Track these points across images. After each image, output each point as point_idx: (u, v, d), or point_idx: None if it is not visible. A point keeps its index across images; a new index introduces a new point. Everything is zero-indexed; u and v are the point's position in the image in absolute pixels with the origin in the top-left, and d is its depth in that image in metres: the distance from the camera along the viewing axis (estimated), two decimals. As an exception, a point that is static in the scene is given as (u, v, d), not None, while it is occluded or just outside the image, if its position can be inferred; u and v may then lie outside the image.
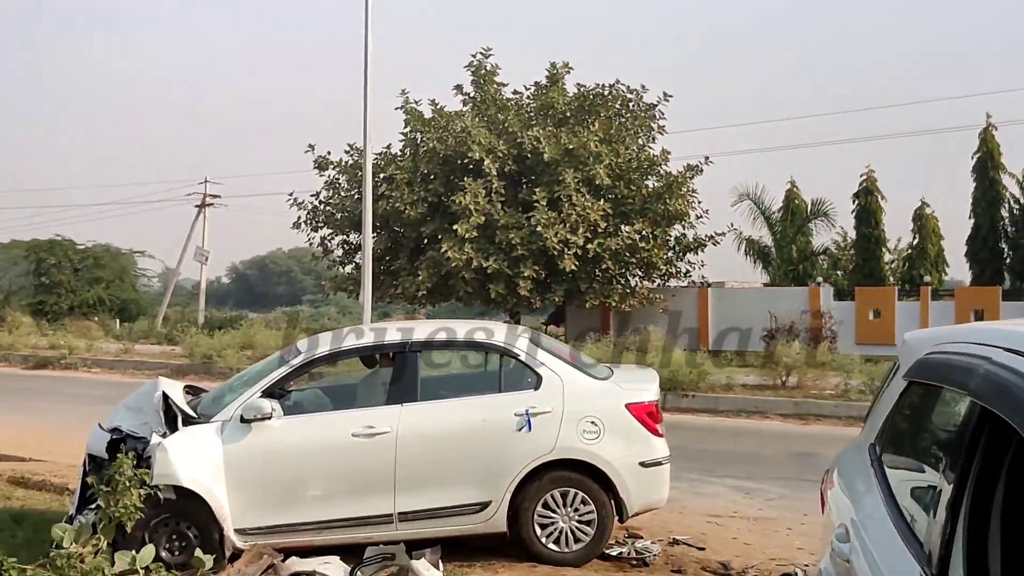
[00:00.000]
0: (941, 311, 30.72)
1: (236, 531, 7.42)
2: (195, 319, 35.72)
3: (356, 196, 31.56)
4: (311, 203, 32.51)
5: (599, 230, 28.80)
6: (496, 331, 8.65)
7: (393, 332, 8.52)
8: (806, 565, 7.81)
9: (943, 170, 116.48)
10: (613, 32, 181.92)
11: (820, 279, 37.49)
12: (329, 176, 32.30)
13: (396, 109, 31.65)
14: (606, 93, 31.60)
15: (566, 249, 28.11)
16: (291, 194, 32.57)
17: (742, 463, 13.06)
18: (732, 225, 36.12)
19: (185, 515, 7.32)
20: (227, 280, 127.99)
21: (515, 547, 8.01)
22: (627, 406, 8.07)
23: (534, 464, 7.80)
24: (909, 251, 37.50)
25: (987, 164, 35.22)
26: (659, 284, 32.82)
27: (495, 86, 32.44)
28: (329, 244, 33.17)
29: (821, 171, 63.71)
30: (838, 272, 39.66)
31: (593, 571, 7.87)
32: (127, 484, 6.50)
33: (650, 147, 31.56)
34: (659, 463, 8.16)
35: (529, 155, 29.61)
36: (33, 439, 13.44)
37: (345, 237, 32.97)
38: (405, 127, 31.89)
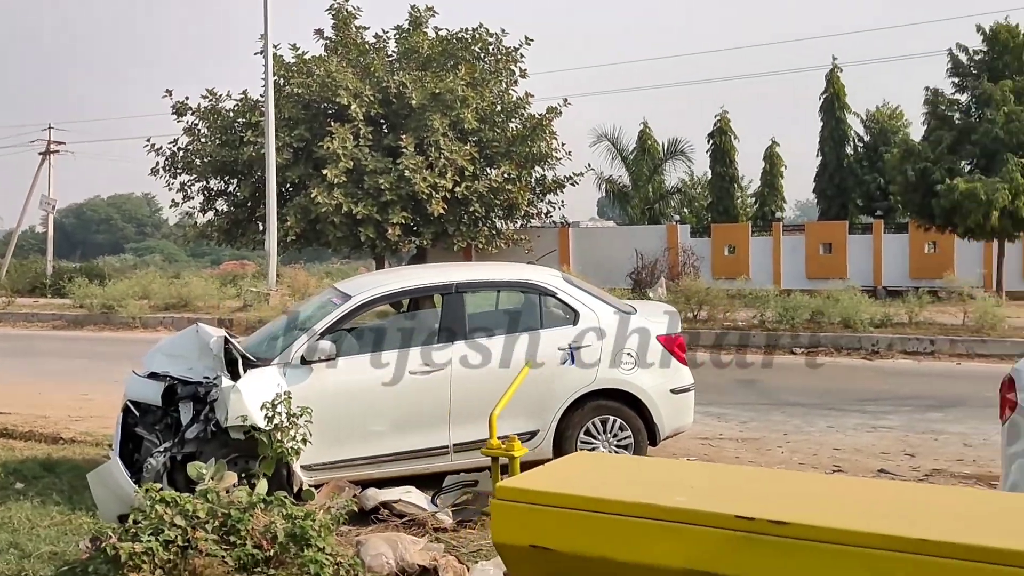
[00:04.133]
0: (792, 245, 34.83)
1: (303, 467, 7.89)
2: (43, 270, 36.85)
3: (217, 142, 33.37)
4: (169, 149, 34.15)
5: (466, 173, 31.45)
6: (531, 271, 9.70)
7: (438, 274, 9.60)
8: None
9: (793, 111, 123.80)
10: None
11: (677, 217, 41.21)
12: (188, 122, 33.88)
13: (256, 54, 33.41)
14: (469, 37, 34.14)
15: (434, 193, 30.62)
16: (149, 140, 34.11)
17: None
18: (589, 166, 39.40)
19: (254, 455, 7.75)
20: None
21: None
22: (658, 338, 9.15)
23: (578, 394, 8.79)
24: (762, 189, 41.45)
25: (833, 104, 39.28)
26: (521, 225, 35.76)
27: (356, 29, 34.64)
28: (189, 191, 34.78)
29: (676, 113, 67.82)
30: (685, 210, 43.44)
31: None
32: (291, 422, 7.07)
33: (513, 90, 34.31)
34: (687, 389, 9.26)
35: (395, 100, 31.92)
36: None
37: (206, 183, 34.71)
38: (264, 72, 33.64)
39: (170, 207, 35.87)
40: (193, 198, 35.01)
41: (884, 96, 65.15)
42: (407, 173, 30.10)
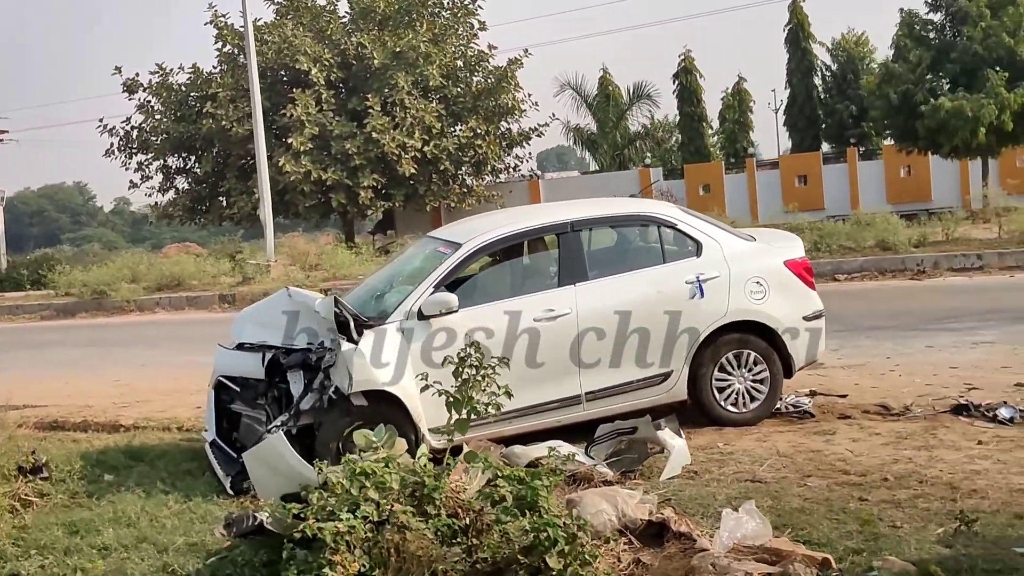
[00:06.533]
0: (766, 180, 35.18)
1: (431, 431, 7.35)
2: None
3: (172, 118, 33.03)
4: (123, 129, 33.74)
5: (434, 131, 31.34)
6: (648, 204, 9.35)
7: (550, 214, 8.99)
8: (960, 395, 8.70)
9: (755, 46, 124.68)
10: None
11: (647, 161, 41.46)
12: (140, 99, 33.44)
13: (206, 24, 33.06)
14: (425, -9, 33.89)
15: (403, 153, 30.51)
16: (101, 120, 33.71)
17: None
18: (554, 115, 39.46)
19: (379, 420, 7.13)
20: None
21: (694, 412, 8.52)
22: (785, 263, 8.74)
23: (711, 329, 8.35)
24: (731, 126, 41.64)
25: (798, 35, 39.60)
26: (490, 181, 35.80)
27: (308, -8, 34.30)
28: (147, 170, 34.37)
29: (637, 57, 68.10)
30: (648, 154, 43.78)
31: (772, 428, 8.43)
32: (483, 374, 6.29)
33: (474, 44, 34.20)
34: (819, 315, 8.78)
35: (355, 62, 31.70)
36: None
37: (164, 162, 34.32)
38: (217, 43, 33.35)
39: (129, 188, 35.75)
40: (151, 177, 34.63)
41: (849, 24, 65.42)
42: (375, 135, 29.97)
